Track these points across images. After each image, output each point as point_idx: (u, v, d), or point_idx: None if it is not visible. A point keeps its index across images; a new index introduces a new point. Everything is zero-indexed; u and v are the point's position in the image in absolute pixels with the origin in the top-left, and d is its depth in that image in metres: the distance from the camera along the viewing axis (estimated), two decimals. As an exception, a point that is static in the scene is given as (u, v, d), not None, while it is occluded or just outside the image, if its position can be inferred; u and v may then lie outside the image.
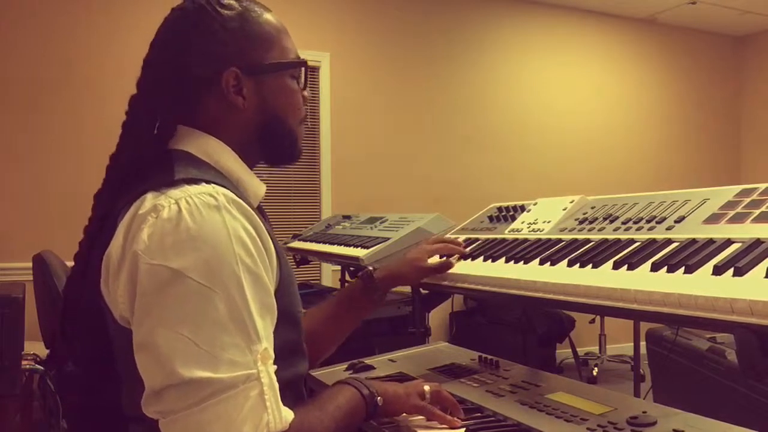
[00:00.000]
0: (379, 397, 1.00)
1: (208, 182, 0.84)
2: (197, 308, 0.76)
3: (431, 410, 1.05)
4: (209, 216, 0.79)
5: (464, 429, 1.03)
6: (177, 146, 0.94)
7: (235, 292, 0.78)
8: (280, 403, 0.79)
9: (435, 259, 1.37)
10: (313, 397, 0.98)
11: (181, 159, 0.90)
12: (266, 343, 0.79)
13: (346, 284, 1.35)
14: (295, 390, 0.97)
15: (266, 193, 1.03)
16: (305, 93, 1.05)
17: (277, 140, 1.01)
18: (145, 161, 0.91)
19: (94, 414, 0.95)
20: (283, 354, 0.87)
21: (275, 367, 0.81)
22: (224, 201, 0.82)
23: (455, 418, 1.05)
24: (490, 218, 1.61)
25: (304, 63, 1.03)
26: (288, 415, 0.81)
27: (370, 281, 1.28)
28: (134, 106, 0.96)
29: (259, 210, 1.01)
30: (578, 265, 1.10)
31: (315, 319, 1.24)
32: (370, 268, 1.31)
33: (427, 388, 1.07)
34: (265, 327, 0.80)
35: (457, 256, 1.38)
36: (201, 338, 0.74)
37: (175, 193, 0.81)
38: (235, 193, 0.86)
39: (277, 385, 0.79)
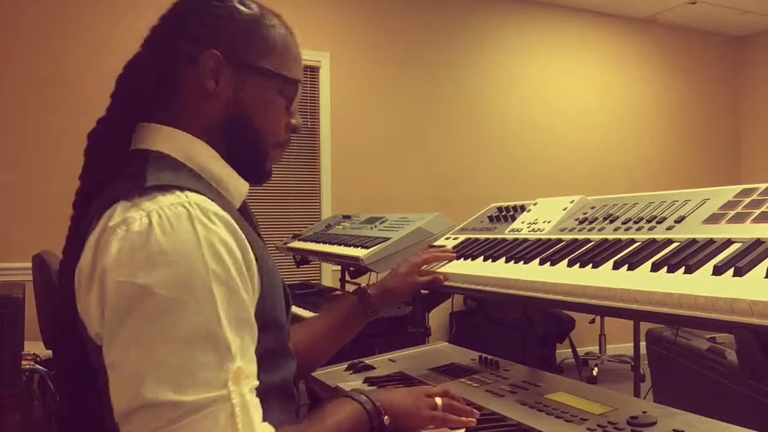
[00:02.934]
0: (386, 416, 0.94)
1: (182, 189, 0.80)
2: (166, 326, 0.72)
3: (445, 417, 1.02)
4: (181, 228, 0.75)
5: (464, 429, 1.03)
6: (149, 145, 0.89)
7: (207, 308, 0.74)
8: (257, 423, 0.75)
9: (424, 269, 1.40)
10: (310, 412, 0.93)
11: (154, 161, 0.85)
12: (241, 362, 0.75)
13: (342, 297, 1.35)
14: (287, 392, 0.94)
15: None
16: (293, 121, 1.00)
17: (244, 146, 0.94)
18: (115, 161, 0.87)
19: (78, 423, 0.92)
20: (270, 359, 0.86)
21: (256, 382, 0.77)
22: (198, 212, 0.77)
23: (470, 418, 1.03)
24: (490, 218, 1.61)
25: (295, 82, 0.97)
26: None
27: (366, 298, 1.30)
28: (113, 96, 0.93)
29: (244, 209, 0.97)
30: (578, 265, 1.10)
31: (311, 331, 1.24)
32: (364, 285, 1.34)
33: (439, 400, 1.04)
34: (241, 344, 0.76)
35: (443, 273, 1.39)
36: (169, 358, 0.71)
37: (147, 204, 0.77)
38: (212, 197, 0.82)
39: (252, 405, 0.75)
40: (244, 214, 0.93)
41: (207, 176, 0.90)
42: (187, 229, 0.76)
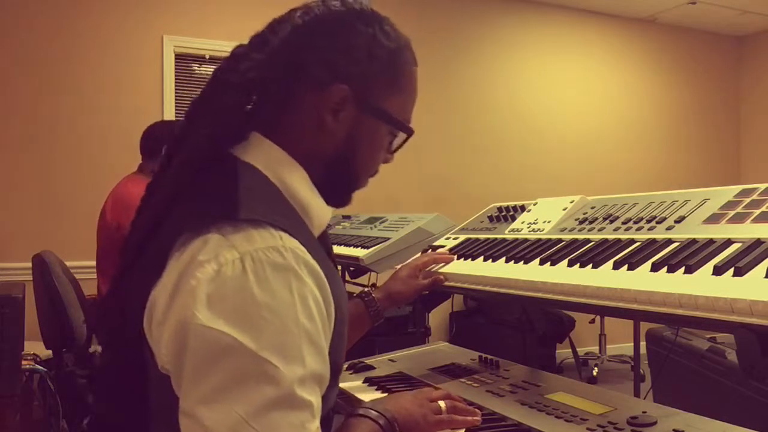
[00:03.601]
0: (398, 430, 0.94)
1: (275, 227, 0.75)
2: (253, 383, 0.69)
3: (451, 419, 1.02)
4: (276, 280, 0.72)
5: (464, 430, 1.03)
6: (240, 153, 0.84)
7: (296, 370, 0.70)
8: None
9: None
10: None
11: (245, 178, 0.81)
12: (317, 421, 0.73)
13: (353, 289, 1.35)
14: (328, 423, 0.91)
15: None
16: (389, 157, 0.97)
17: (342, 181, 0.92)
18: (204, 167, 0.81)
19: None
20: (324, 396, 0.83)
21: None
22: (292, 260, 0.73)
23: (474, 417, 1.04)
24: (490, 218, 1.61)
25: (410, 132, 0.95)
26: None
27: (371, 302, 1.31)
28: (211, 95, 0.86)
29: (323, 235, 0.93)
30: (578, 265, 1.10)
31: None
32: (368, 289, 1.35)
33: (442, 403, 1.03)
34: (317, 402, 0.74)
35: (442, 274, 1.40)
36: (254, 418, 0.68)
37: (241, 244, 0.73)
38: (298, 228, 0.79)
39: None
40: (322, 241, 0.90)
41: (293, 199, 0.85)
42: (282, 283, 0.72)
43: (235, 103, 0.84)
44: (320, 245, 0.86)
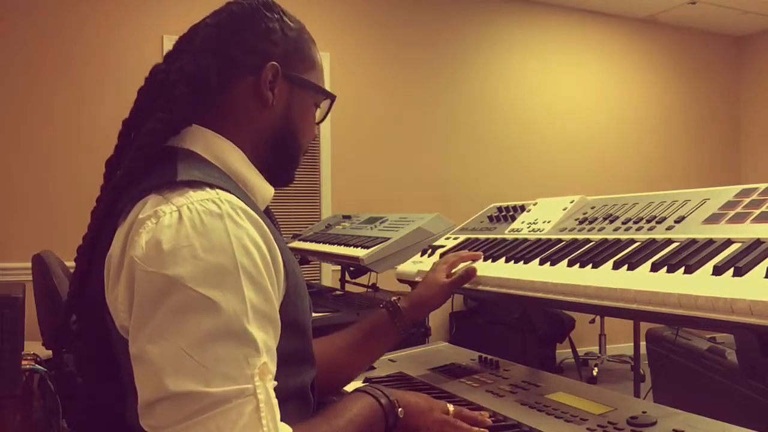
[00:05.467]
0: (400, 408, 0.93)
1: (211, 186, 0.81)
2: (194, 319, 0.72)
3: (456, 424, 0.99)
4: (211, 224, 0.77)
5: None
6: (182, 144, 0.91)
7: (235, 303, 0.74)
8: (278, 420, 0.75)
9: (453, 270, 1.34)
10: (324, 407, 0.92)
11: (185, 158, 0.87)
12: (266, 357, 0.75)
13: (374, 312, 1.30)
14: (303, 398, 0.94)
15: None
16: (316, 129, 1.07)
17: (283, 155, 1.00)
18: (148, 159, 0.88)
19: (96, 422, 0.92)
20: (291, 362, 0.85)
21: (275, 383, 0.77)
22: (228, 208, 0.79)
23: (481, 429, 1.00)
24: (490, 218, 1.61)
25: (333, 97, 1.06)
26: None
27: (396, 312, 1.23)
28: (144, 98, 0.95)
29: (267, 213, 0.98)
30: (578, 265, 1.10)
31: (337, 348, 1.19)
32: (394, 298, 1.27)
33: (451, 407, 1.02)
34: (266, 340, 0.77)
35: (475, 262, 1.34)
36: (196, 350, 0.71)
37: (178, 199, 0.79)
38: (240, 197, 0.83)
39: (275, 402, 0.75)
40: (267, 217, 0.93)
41: (234, 177, 0.92)
42: (217, 225, 0.77)
43: (183, 94, 0.90)
44: (265, 215, 0.89)
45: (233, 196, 0.82)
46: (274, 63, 0.95)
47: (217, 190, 0.81)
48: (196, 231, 0.76)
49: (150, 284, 0.74)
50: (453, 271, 1.33)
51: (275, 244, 0.83)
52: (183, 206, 0.78)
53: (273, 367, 0.78)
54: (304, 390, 0.94)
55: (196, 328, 0.72)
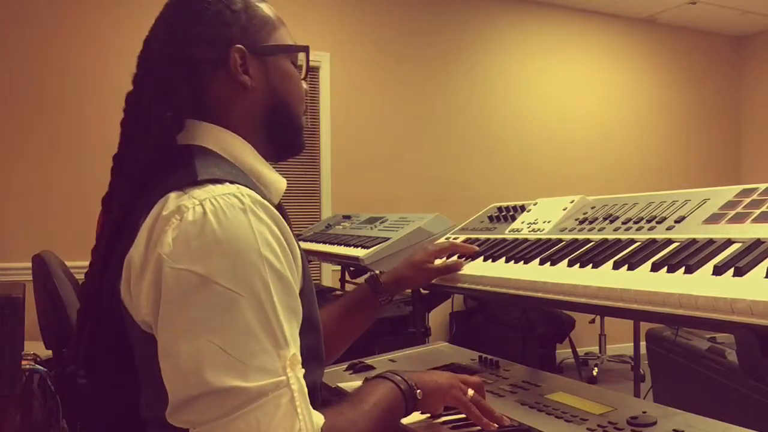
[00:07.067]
0: (418, 390, 0.97)
1: (231, 182, 0.82)
2: (225, 314, 0.73)
3: (470, 407, 1.01)
4: (235, 218, 0.77)
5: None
6: (191, 141, 0.90)
7: (263, 297, 0.75)
8: (311, 408, 0.77)
9: (439, 261, 1.37)
10: (348, 395, 0.96)
11: (201, 156, 0.87)
12: (294, 348, 0.77)
13: (354, 287, 1.32)
14: (313, 397, 0.95)
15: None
16: (305, 84, 1.04)
17: (283, 127, 1.00)
18: (160, 160, 0.87)
19: (103, 419, 0.91)
20: (304, 360, 0.86)
21: (303, 371, 0.79)
22: (250, 203, 0.79)
23: (491, 423, 1.01)
24: (490, 218, 1.61)
25: (306, 48, 1.03)
26: (319, 419, 0.79)
27: (377, 285, 1.28)
28: (133, 103, 0.94)
29: (280, 208, 0.98)
30: (578, 265, 1.10)
31: (323, 322, 1.23)
32: (377, 272, 1.31)
33: (471, 392, 1.03)
34: (292, 331, 0.78)
35: (465, 257, 1.36)
36: (230, 345, 0.72)
37: (200, 193, 0.79)
38: (257, 192, 0.84)
39: (306, 390, 0.77)
40: (280, 211, 0.94)
41: (248, 172, 0.92)
42: (240, 219, 0.78)
43: (160, 119, 0.89)
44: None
45: (252, 191, 0.82)
46: (237, 45, 0.93)
47: (238, 186, 0.82)
48: (221, 226, 0.76)
49: (179, 281, 0.75)
50: (439, 261, 1.36)
51: (293, 238, 0.85)
52: (206, 200, 0.78)
53: (300, 357, 0.79)
54: (314, 389, 0.94)
55: (230, 323, 0.73)
